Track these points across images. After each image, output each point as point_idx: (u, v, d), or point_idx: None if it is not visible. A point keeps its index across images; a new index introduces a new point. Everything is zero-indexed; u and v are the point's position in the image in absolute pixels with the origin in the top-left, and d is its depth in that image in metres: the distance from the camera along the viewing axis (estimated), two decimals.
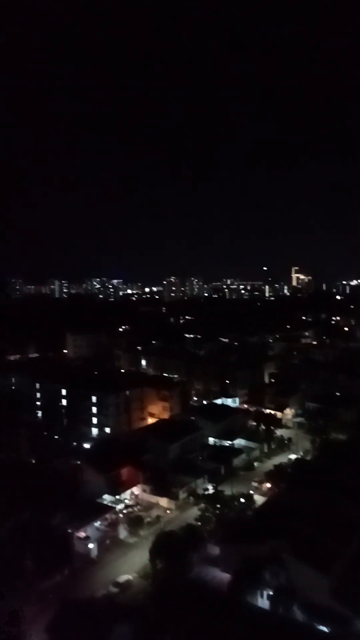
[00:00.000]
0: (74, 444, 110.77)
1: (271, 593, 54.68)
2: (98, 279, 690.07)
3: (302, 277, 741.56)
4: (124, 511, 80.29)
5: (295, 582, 53.83)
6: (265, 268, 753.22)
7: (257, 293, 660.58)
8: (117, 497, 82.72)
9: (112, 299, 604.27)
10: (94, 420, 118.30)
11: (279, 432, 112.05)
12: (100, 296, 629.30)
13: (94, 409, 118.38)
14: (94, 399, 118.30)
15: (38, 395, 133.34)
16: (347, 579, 54.64)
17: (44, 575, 59.88)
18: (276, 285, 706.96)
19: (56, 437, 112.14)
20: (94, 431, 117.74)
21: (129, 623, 42.50)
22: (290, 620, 50.53)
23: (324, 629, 50.03)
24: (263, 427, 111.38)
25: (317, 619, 50.95)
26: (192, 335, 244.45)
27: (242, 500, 78.30)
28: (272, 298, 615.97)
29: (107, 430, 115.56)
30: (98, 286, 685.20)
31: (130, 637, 41.26)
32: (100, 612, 47.42)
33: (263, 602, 55.36)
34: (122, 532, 74.43)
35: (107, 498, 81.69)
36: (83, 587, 61.87)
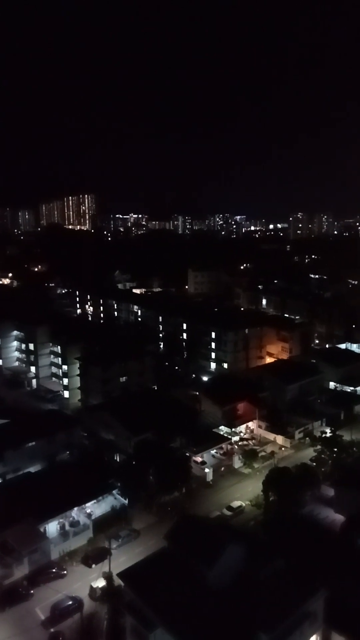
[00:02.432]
0: (193, 375, 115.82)
1: None
2: (221, 215, 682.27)
3: None
4: (239, 443, 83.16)
5: None
6: None
7: None
8: (233, 429, 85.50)
9: (234, 236, 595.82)
10: (213, 355, 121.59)
11: None
12: (223, 233, 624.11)
13: (213, 345, 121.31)
14: (213, 334, 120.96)
15: (161, 327, 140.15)
16: None
17: (164, 490, 65.49)
18: None
19: (176, 367, 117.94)
20: (212, 365, 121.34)
21: (241, 545, 44.80)
22: None
23: None
24: None
25: None
26: (317, 276, 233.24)
27: None
28: None
29: (225, 365, 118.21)
30: (221, 222, 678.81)
31: (241, 558, 43.64)
32: (214, 531, 50.67)
33: None
34: (237, 462, 77.45)
35: (223, 429, 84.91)
36: (198, 506, 66.70)
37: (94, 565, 54.95)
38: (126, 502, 64.96)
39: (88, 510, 62.85)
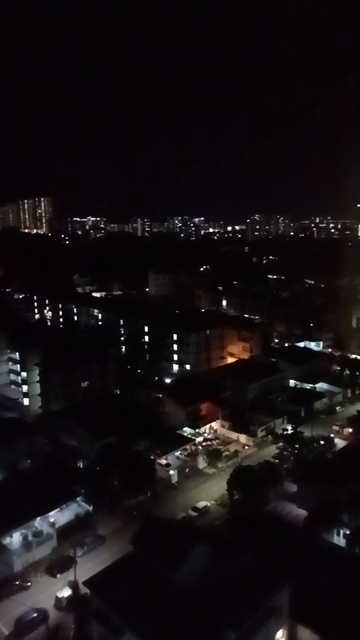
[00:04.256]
0: (156, 378, 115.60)
1: (348, 532, 55.00)
2: (180, 218, 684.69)
3: None
4: (203, 443, 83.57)
5: None
6: None
7: (348, 232, 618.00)
8: (197, 430, 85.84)
9: (193, 238, 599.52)
10: (175, 357, 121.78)
11: None
12: (182, 235, 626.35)
13: (175, 346, 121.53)
14: (174, 336, 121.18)
15: (122, 331, 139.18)
16: None
17: (129, 495, 64.94)
18: None
19: (139, 370, 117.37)
20: (175, 367, 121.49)
21: (206, 545, 44.98)
22: None
23: None
24: (348, 372, 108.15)
25: None
26: (275, 276, 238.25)
27: (322, 442, 77.75)
28: None
29: (187, 367, 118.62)
30: (180, 225, 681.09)
31: (207, 558, 43.83)
32: (180, 532, 50.65)
33: (339, 540, 55.99)
34: (201, 463, 77.80)
35: (187, 430, 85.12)
36: (164, 508, 66.50)
37: (58, 575, 53.75)
38: (90, 508, 63.94)
39: (51, 519, 61.42)
